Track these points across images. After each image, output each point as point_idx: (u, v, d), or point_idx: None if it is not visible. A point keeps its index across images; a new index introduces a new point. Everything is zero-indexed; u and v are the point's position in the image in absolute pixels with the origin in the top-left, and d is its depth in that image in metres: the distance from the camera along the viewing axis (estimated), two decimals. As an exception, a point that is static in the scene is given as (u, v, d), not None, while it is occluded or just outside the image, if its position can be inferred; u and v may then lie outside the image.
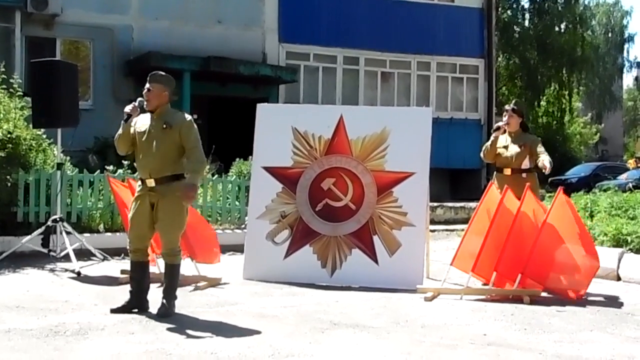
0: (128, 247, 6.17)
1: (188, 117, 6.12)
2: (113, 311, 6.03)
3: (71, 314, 6.08)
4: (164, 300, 6.02)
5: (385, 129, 8.07)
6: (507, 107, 8.33)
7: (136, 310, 6.07)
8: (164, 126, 5.97)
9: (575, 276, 7.15)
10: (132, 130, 6.11)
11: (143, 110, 6.16)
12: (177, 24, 17.94)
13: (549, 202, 7.80)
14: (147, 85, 6.07)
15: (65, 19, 16.66)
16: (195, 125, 6.11)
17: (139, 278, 6.17)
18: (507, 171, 7.92)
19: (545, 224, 7.06)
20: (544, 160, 7.70)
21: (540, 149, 7.93)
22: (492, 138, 8.12)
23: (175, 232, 6.05)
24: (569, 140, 37.24)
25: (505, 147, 8.00)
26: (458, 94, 22.15)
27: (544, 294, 7.04)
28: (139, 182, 6.14)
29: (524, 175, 7.85)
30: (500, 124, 8.16)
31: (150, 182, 5.97)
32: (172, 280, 6.10)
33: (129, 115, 6.10)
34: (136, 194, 6.14)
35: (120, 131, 6.15)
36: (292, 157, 8.18)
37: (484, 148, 8.23)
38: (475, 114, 22.15)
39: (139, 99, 6.19)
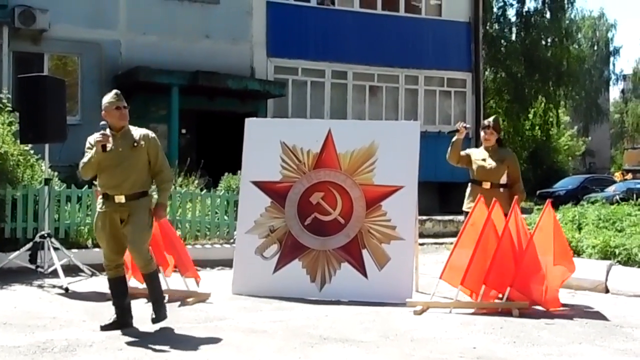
0: (104, 265, 6.19)
1: (152, 133, 6.22)
2: (103, 328, 6.01)
3: (59, 330, 6.05)
4: (154, 309, 6.06)
5: (374, 142, 8.09)
6: (485, 122, 8.29)
7: (123, 326, 6.07)
8: (134, 144, 6.02)
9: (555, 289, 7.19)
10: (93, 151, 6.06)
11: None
12: (165, 39, 17.96)
13: (537, 215, 7.84)
14: (124, 103, 6.11)
15: (53, 34, 16.65)
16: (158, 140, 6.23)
17: (120, 294, 6.19)
18: (487, 185, 7.88)
19: (533, 237, 7.09)
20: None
21: (517, 171, 8.01)
22: (453, 139, 8.07)
23: (146, 244, 6.12)
24: (557, 153, 37.44)
25: (484, 160, 8.01)
26: (446, 108, 22.24)
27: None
28: (101, 198, 6.11)
29: (501, 190, 7.85)
30: (458, 125, 8.11)
31: (120, 198, 5.98)
32: (154, 287, 6.16)
33: (104, 146, 5.98)
34: (101, 211, 6.09)
35: (90, 158, 6.01)
36: (280, 171, 8.19)
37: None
38: (464, 128, 22.21)
39: (102, 123, 6.11)
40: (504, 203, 7.45)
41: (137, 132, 6.16)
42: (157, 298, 6.15)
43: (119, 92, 6.25)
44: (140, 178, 6.05)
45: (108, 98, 6.16)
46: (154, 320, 6.05)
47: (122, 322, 6.09)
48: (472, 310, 7.04)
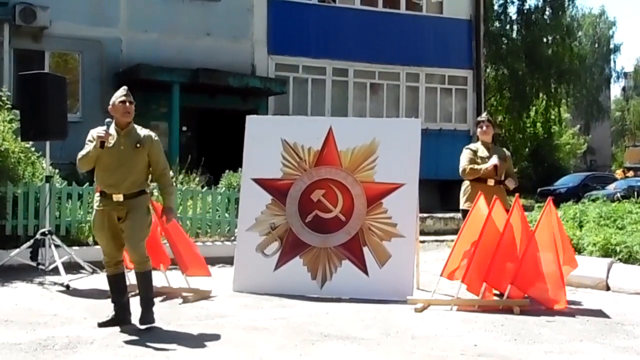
0: (104, 262, 6.15)
1: (155, 135, 6.21)
2: (101, 325, 6.02)
3: (60, 327, 6.05)
4: (143, 310, 6.02)
5: (375, 140, 8.09)
6: (481, 118, 8.36)
7: (121, 323, 6.07)
8: (137, 145, 6.01)
9: (559, 287, 7.16)
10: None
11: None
12: (166, 37, 17.96)
13: (539, 212, 7.83)
14: (130, 99, 6.08)
15: (53, 31, 16.65)
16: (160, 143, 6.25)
17: (119, 291, 6.18)
18: (491, 182, 7.91)
19: (534, 235, 7.08)
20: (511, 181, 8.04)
21: (511, 165, 8.29)
22: (470, 161, 8.06)
23: (143, 241, 6.10)
24: (558, 151, 37.45)
25: (488, 158, 7.98)
26: (447, 105, 22.22)
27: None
28: (99, 195, 6.07)
29: (501, 186, 8.01)
30: (497, 162, 7.97)
31: (118, 197, 5.96)
32: (146, 287, 6.13)
33: (103, 142, 5.93)
34: (98, 209, 6.06)
35: (88, 152, 5.97)
36: (281, 168, 8.19)
37: (466, 167, 8.06)
38: (464, 125, 22.22)
39: (107, 120, 6.06)
40: (505, 198, 7.69)
41: (141, 132, 6.14)
42: (147, 299, 6.08)
43: (126, 88, 6.22)
44: (140, 178, 6.06)
45: (117, 93, 6.14)
46: (142, 322, 5.95)
47: (121, 318, 6.08)
48: (473, 308, 7.05)
